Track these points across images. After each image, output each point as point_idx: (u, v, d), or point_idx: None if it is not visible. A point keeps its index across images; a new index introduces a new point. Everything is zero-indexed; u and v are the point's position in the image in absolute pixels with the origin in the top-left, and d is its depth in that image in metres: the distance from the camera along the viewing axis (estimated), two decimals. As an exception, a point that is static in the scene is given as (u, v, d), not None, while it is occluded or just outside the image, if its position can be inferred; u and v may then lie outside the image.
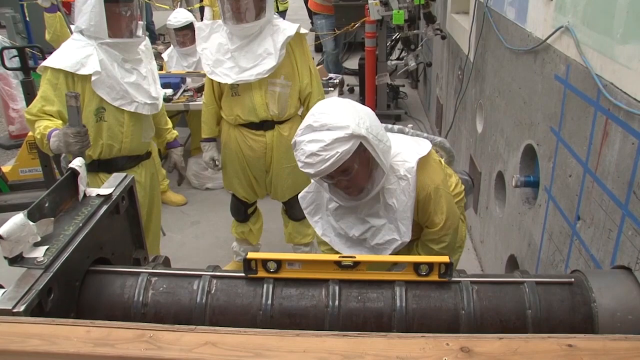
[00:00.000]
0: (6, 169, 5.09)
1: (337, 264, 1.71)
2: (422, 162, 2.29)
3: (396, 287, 1.68)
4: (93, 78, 3.03)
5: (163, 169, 5.29)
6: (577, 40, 2.31)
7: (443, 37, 5.76)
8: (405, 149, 2.32)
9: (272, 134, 3.71)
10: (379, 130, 2.18)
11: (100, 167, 3.27)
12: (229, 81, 3.48)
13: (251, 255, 1.69)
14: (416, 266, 1.71)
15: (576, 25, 2.35)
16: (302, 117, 3.78)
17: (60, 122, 3.01)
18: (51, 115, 3.02)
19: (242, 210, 4.11)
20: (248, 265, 1.68)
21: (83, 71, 2.99)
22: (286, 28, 3.50)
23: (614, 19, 2.00)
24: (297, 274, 1.68)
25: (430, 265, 1.70)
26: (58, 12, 3.99)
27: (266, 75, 3.45)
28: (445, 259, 1.71)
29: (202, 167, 5.59)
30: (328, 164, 2.05)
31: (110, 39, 3.08)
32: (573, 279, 1.72)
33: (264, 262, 1.68)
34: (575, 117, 2.36)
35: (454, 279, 1.71)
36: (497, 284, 1.74)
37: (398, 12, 5.75)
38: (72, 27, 3.94)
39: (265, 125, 3.69)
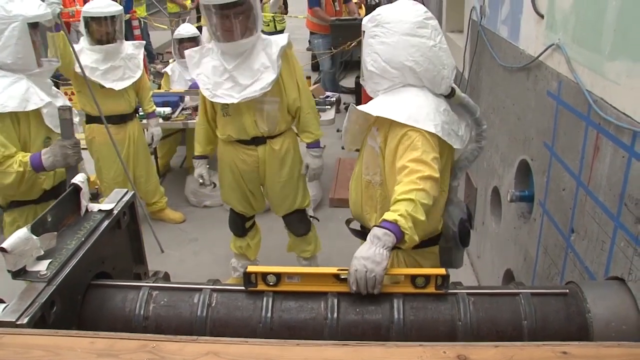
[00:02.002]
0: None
1: (336, 277, 1.74)
2: None
3: (394, 300, 1.71)
4: (45, 110, 2.95)
5: (161, 187, 5.33)
6: (567, 57, 2.36)
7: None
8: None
9: (264, 148, 3.73)
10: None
11: (48, 196, 3.14)
12: (234, 101, 3.46)
13: (251, 268, 1.71)
14: (413, 278, 1.74)
15: (567, 43, 2.40)
16: (297, 130, 3.85)
17: (27, 153, 2.92)
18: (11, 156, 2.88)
19: (240, 225, 4.11)
20: (248, 278, 1.71)
21: (30, 107, 2.87)
22: (277, 39, 3.52)
23: (602, 36, 2.05)
24: (296, 287, 1.71)
25: (427, 277, 1.73)
26: (61, 31, 4.03)
27: (269, 89, 3.43)
28: (441, 271, 1.74)
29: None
30: None
31: (40, 67, 3.00)
32: (568, 290, 1.76)
33: (264, 275, 1.70)
34: (568, 132, 2.40)
35: (450, 290, 1.74)
36: (493, 295, 1.77)
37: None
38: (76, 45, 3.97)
39: (257, 140, 3.71)
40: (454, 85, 2.37)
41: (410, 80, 2.29)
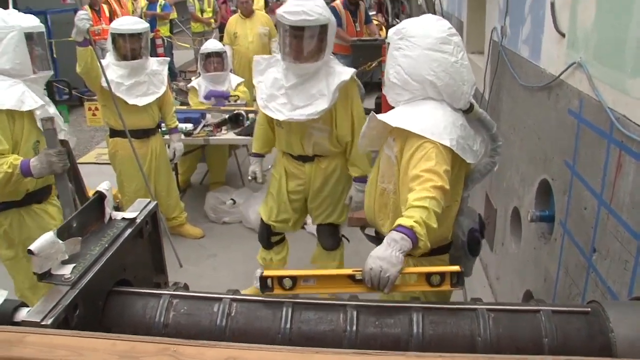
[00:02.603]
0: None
1: (351, 277, 1.74)
2: None
3: (413, 313, 1.70)
4: (38, 112, 3.08)
5: (181, 202, 5.38)
6: (589, 75, 2.36)
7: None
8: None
9: (311, 166, 3.79)
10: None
11: (32, 198, 3.26)
12: (281, 118, 3.51)
13: (267, 273, 1.72)
14: (428, 277, 1.74)
15: (588, 61, 2.40)
16: (348, 161, 3.79)
17: (19, 157, 3.02)
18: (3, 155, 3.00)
19: (265, 236, 4.15)
20: (264, 283, 1.72)
21: (25, 107, 3.02)
22: (341, 72, 3.51)
23: (625, 54, 2.05)
24: (313, 289, 1.71)
25: (442, 275, 1.73)
26: (90, 46, 4.12)
27: (317, 117, 3.44)
28: (456, 268, 1.74)
29: (220, 201, 5.67)
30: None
31: (35, 74, 3.15)
32: (590, 309, 1.74)
33: (280, 279, 1.71)
34: (589, 150, 2.40)
35: (470, 306, 1.73)
36: (514, 312, 1.75)
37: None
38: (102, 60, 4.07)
39: (304, 158, 3.77)
40: (472, 100, 2.46)
41: (431, 93, 2.37)
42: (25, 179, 3.08)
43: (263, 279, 1.71)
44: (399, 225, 2.01)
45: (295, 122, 3.52)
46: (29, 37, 3.12)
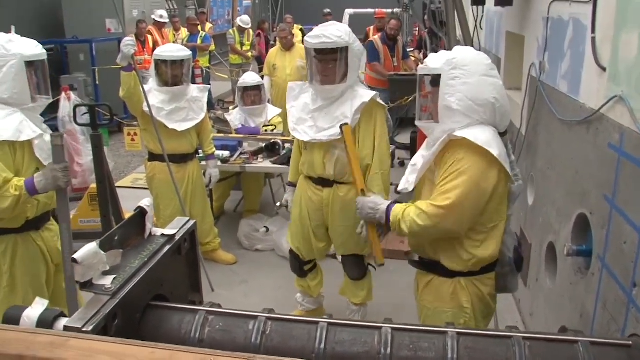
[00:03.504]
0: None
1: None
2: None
3: (448, 339, 1.69)
4: (36, 142, 3.07)
5: (215, 228, 5.43)
6: (631, 109, 2.35)
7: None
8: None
9: (330, 191, 3.82)
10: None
11: (30, 225, 3.21)
12: (306, 139, 3.67)
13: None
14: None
15: (630, 94, 2.40)
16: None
17: (21, 178, 3.01)
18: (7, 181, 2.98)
19: (297, 266, 4.20)
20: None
21: (23, 137, 3.00)
22: (363, 95, 3.60)
23: (669, 87, 2.04)
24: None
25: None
26: (133, 71, 4.24)
27: (339, 137, 3.50)
28: None
29: (254, 228, 5.71)
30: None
31: (32, 102, 3.13)
32: (631, 342, 1.70)
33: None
34: (630, 184, 2.37)
35: (506, 333, 1.71)
36: (551, 341, 1.73)
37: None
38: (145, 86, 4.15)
39: (324, 182, 3.82)
40: None
41: (488, 116, 2.53)
42: (29, 203, 3.06)
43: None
44: (392, 207, 2.73)
45: (319, 142, 3.64)
46: (30, 64, 3.09)
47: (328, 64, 3.54)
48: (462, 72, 2.50)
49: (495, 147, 2.43)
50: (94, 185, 5.33)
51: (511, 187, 2.64)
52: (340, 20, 17.52)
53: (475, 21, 5.97)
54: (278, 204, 4.21)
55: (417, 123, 2.79)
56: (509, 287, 2.73)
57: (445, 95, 2.53)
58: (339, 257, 4.69)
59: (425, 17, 10.31)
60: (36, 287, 3.23)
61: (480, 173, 2.44)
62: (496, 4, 4.86)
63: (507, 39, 5.47)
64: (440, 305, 2.71)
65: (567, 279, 3.23)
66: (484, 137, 2.45)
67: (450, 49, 5.48)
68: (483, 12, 6.07)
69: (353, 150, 3.35)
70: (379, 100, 3.69)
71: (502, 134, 2.60)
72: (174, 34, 12.25)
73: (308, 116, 3.69)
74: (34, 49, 3.13)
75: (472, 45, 5.61)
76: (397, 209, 2.68)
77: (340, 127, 3.37)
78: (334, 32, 3.50)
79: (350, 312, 4.19)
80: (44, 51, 3.23)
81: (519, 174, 2.73)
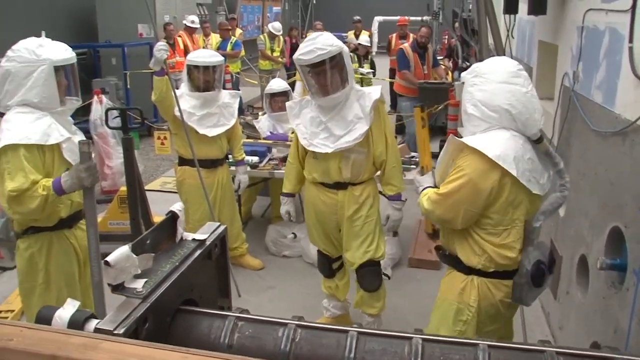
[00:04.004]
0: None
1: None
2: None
3: (479, 351, 1.66)
4: (64, 145, 3.11)
5: (243, 233, 5.45)
6: (669, 121, 2.30)
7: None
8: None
9: (345, 193, 3.84)
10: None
11: (64, 224, 3.27)
12: (329, 151, 3.65)
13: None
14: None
15: (669, 106, 2.35)
16: (381, 181, 3.95)
17: (49, 178, 3.05)
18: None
19: (327, 265, 4.20)
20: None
21: (51, 141, 3.05)
22: (371, 92, 3.68)
23: None
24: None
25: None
26: (165, 75, 4.28)
27: (361, 139, 3.59)
28: None
29: (281, 234, 5.72)
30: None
31: (62, 106, 3.17)
32: (668, 359, 1.66)
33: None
34: (668, 198, 2.32)
35: (539, 347, 1.68)
36: (585, 357, 1.69)
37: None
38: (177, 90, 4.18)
39: (339, 185, 3.84)
40: (542, 133, 2.69)
41: (506, 122, 2.62)
42: (59, 205, 3.13)
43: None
44: (425, 189, 2.90)
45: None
46: (59, 68, 3.13)
47: (328, 73, 3.56)
48: (481, 79, 2.67)
49: (496, 150, 2.54)
50: (123, 188, 5.41)
51: (545, 201, 2.69)
52: (369, 27, 17.55)
53: (507, 30, 5.91)
54: (286, 216, 4.17)
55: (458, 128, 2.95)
56: (524, 300, 2.71)
57: (465, 101, 2.74)
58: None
59: (456, 25, 10.28)
60: (69, 283, 3.31)
61: (479, 172, 2.59)
62: (529, 13, 4.81)
63: (539, 48, 5.41)
64: (449, 297, 2.84)
65: (599, 292, 3.17)
66: (488, 141, 2.58)
67: (481, 57, 5.46)
68: (515, 20, 6.01)
69: (420, 132, 3.60)
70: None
71: (536, 141, 2.65)
72: (204, 39, 12.34)
73: (319, 129, 3.70)
74: (63, 53, 3.17)
75: (504, 54, 5.56)
76: (424, 191, 2.89)
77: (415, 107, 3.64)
78: (325, 42, 3.53)
79: (367, 323, 4.13)
80: (74, 55, 3.26)
81: (566, 184, 2.73)
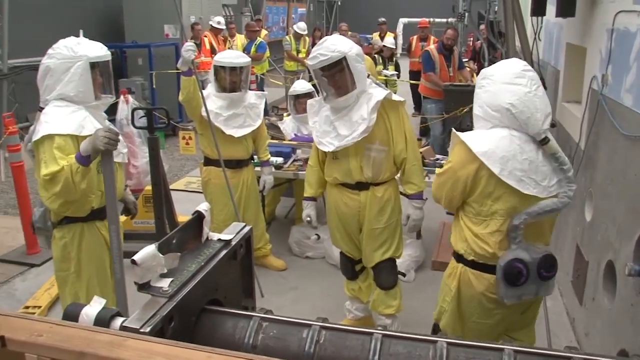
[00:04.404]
0: (122, 219, 5.41)
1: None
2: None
3: (504, 355, 1.65)
4: None
5: (267, 233, 5.46)
6: (702, 126, 2.26)
7: (553, 125, 5.66)
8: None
9: (367, 194, 3.85)
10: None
11: (95, 215, 3.36)
12: (332, 149, 3.71)
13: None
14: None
15: (702, 111, 2.31)
16: (401, 181, 3.96)
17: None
18: None
19: (350, 267, 4.20)
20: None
21: (85, 132, 3.15)
22: (377, 94, 3.69)
23: None
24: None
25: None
26: (193, 76, 4.32)
27: (359, 139, 3.63)
28: None
29: (305, 235, 5.72)
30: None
31: (96, 100, 3.30)
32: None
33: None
34: (699, 204, 2.28)
35: (565, 353, 1.66)
36: (612, 364, 1.67)
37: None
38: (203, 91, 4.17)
39: (361, 185, 3.84)
40: (550, 135, 2.73)
41: (507, 121, 2.73)
42: (90, 196, 3.24)
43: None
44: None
45: (354, 148, 3.70)
46: (94, 65, 3.29)
47: (333, 77, 3.63)
48: (488, 81, 2.82)
49: (483, 145, 2.71)
50: (148, 187, 5.45)
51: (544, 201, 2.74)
52: (394, 29, 17.50)
53: (535, 32, 5.85)
54: (307, 220, 4.17)
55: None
56: (499, 295, 2.79)
57: (474, 103, 2.92)
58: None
59: (482, 27, 10.20)
60: (100, 273, 3.42)
61: (459, 161, 2.82)
62: (557, 15, 4.76)
63: (567, 50, 5.36)
64: (444, 281, 3.10)
65: (627, 299, 3.12)
66: (479, 137, 2.78)
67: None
68: (542, 22, 5.95)
69: None
70: (394, 97, 3.79)
71: (541, 142, 2.72)
72: (229, 40, 12.39)
73: (330, 127, 3.76)
74: (99, 50, 3.32)
75: (531, 57, 5.51)
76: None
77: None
78: (328, 47, 3.58)
79: (384, 324, 4.07)
80: (109, 53, 3.41)
81: (569, 192, 2.76)
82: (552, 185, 2.72)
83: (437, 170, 3.21)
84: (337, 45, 3.59)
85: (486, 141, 2.72)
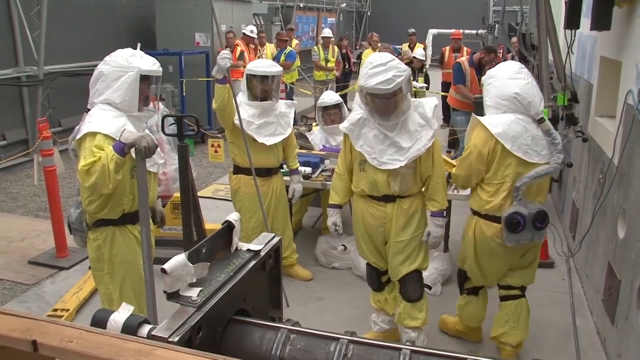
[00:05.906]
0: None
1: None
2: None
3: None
4: None
5: (294, 243, 5.46)
6: None
7: (584, 140, 5.58)
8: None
9: (393, 206, 3.86)
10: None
11: (127, 219, 3.49)
12: (402, 164, 3.68)
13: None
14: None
15: None
16: (425, 197, 3.96)
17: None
18: None
19: (375, 278, 4.18)
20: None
21: None
22: (428, 100, 3.81)
23: None
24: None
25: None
26: (227, 84, 4.36)
27: (430, 145, 3.70)
28: None
29: (331, 246, 5.70)
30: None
31: (139, 112, 3.45)
32: None
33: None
34: None
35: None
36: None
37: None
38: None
39: (387, 198, 3.85)
40: (545, 117, 3.73)
41: (513, 106, 3.67)
42: (123, 198, 3.38)
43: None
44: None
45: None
46: (144, 78, 3.44)
47: (389, 102, 3.60)
48: (493, 79, 3.80)
49: (499, 127, 3.62)
50: (176, 194, 5.47)
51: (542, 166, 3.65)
52: (423, 40, 17.47)
53: (568, 45, 5.78)
54: (333, 228, 4.16)
55: None
56: (503, 239, 3.73)
57: (484, 97, 3.84)
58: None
59: (512, 39, 10.11)
60: (132, 275, 3.52)
61: (481, 141, 3.69)
62: (592, 28, 4.69)
63: (601, 64, 5.28)
64: (464, 232, 4.03)
65: (661, 320, 3.05)
66: (494, 120, 3.67)
67: (541, 74, 5.35)
68: (574, 35, 5.86)
69: None
70: None
71: (539, 121, 3.67)
72: (259, 49, 12.46)
73: (385, 145, 3.71)
74: (151, 65, 3.47)
75: (564, 70, 5.44)
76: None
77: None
78: (391, 75, 3.49)
79: (410, 338, 4.04)
80: (160, 69, 3.56)
81: (558, 160, 3.65)
82: (548, 154, 3.66)
83: (459, 158, 3.98)
84: (399, 72, 3.53)
85: (500, 124, 3.62)
